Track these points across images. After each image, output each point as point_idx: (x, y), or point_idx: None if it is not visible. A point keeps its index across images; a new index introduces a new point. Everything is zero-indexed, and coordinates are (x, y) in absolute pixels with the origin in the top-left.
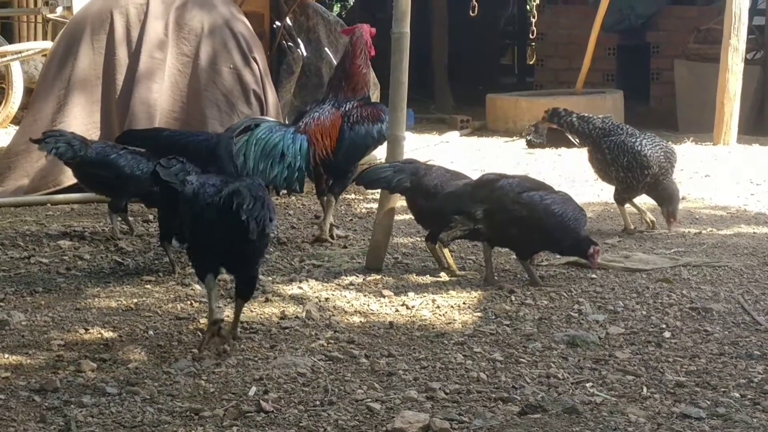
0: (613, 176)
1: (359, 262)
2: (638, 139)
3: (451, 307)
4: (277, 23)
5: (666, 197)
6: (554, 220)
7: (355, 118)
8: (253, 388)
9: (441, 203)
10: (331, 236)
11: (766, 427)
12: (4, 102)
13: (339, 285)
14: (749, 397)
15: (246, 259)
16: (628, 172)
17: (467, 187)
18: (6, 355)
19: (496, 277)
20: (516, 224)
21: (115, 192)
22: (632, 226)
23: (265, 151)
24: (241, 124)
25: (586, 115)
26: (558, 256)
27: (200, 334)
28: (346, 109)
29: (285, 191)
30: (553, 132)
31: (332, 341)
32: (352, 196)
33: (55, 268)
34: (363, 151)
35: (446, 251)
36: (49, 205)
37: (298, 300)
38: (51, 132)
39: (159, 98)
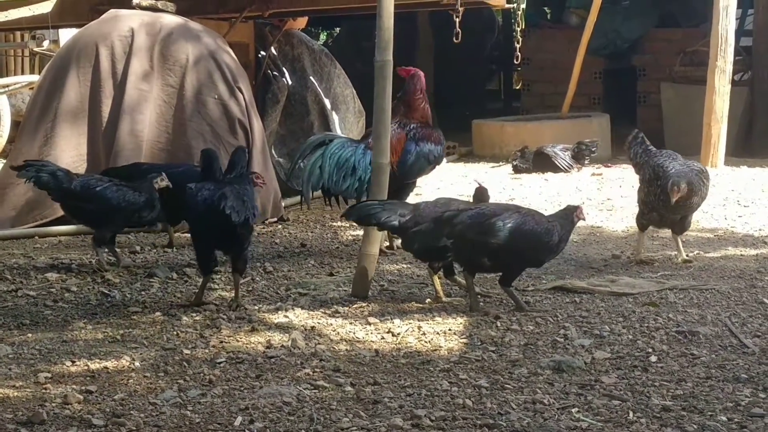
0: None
1: (345, 290)
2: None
3: (437, 333)
4: (262, 53)
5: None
6: (527, 240)
7: (420, 135)
8: (239, 418)
9: (409, 241)
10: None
11: None
12: None
13: (325, 313)
14: (736, 420)
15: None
16: (648, 186)
17: (431, 224)
18: None
19: (481, 304)
20: (487, 253)
21: (101, 224)
22: (643, 256)
23: (339, 164)
24: (316, 140)
25: (651, 148)
26: (544, 281)
27: (186, 365)
28: (410, 128)
29: (354, 199)
30: (539, 157)
31: (318, 370)
32: (338, 223)
33: (42, 300)
34: (425, 166)
35: (435, 277)
36: (36, 237)
37: (284, 329)
38: (33, 161)
39: (145, 130)
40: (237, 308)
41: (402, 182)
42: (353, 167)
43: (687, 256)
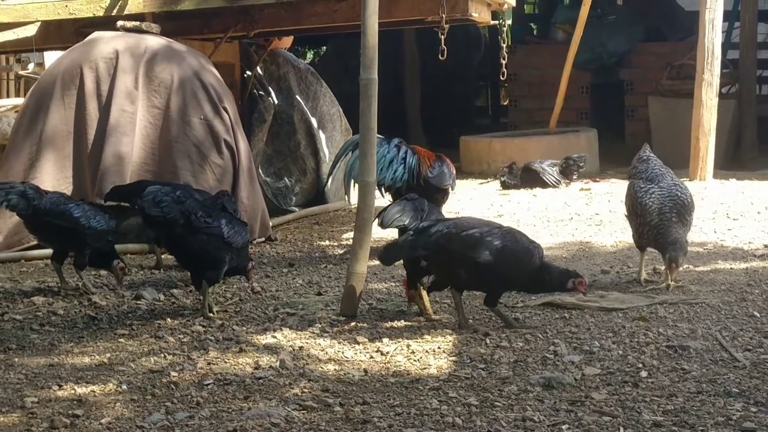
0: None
1: (333, 309)
2: (645, 187)
3: (426, 352)
4: (248, 73)
5: (669, 243)
6: (502, 256)
7: (444, 159)
8: None
9: (383, 254)
10: None
11: None
12: None
13: (313, 333)
14: None
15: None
16: (634, 217)
17: (408, 236)
18: None
19: (470, 321)
20: (462, 266)
21: (73, 243)
22: (644, 276)
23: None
24: (353, 141)
25: (648, 156)
26: (533, 297)
27: (174, 388)
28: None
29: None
30: (527, 173)
31: (306, 390)
32: (327, 242)
33: (28, 324)
34: (445, 193)
35: (425, 294)
36: (23, 261)
37: (272, 349)
38: (2, 184)
39: (130, 151)
40: (202, 316)
41: (435, 190)
42: (389, 161)
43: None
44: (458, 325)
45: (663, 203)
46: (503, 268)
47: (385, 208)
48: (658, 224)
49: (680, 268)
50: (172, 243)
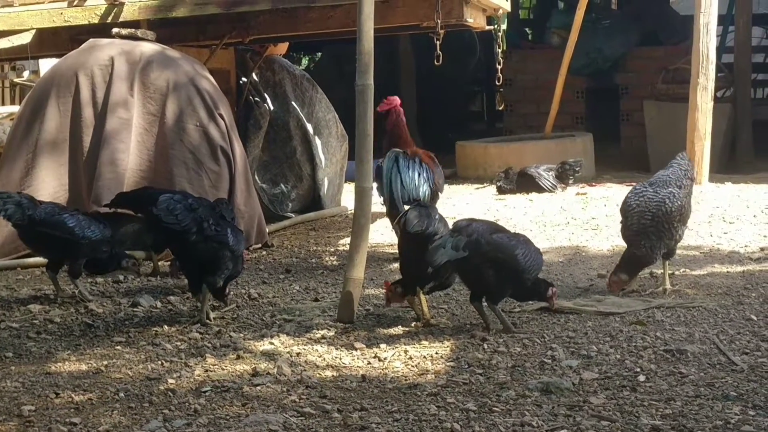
0: None
1: (331, 315)
2: (639, 189)
3: (424, 357)
4: (244, 79)
5: (625, 258)
6: (522, 261)
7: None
8: None
9: (431, 257)
10: None
11: None
12: None
13: (310, 339)
14: None
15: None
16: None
17: (447, 237)
18: None
19: (467, 326)
20: (490, 266)
21: (68, 253)
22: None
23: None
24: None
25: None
26: (530, 302)
27: (171, 395)
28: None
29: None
30: (523, 178)
31: (304, 396)
32: (323, 248)
33: (25, 332)
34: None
35: (423, 299)
36: (19, 269)
37: (270, 356)
38: None
39: (126, 158)
40: (199, 322)
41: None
42: (417, 175)
43: (669, 284)
44: (504, 330)
45: (646, 209)
46: (522, 272)
47: (404, 213)
48: (636, 230)
49: (610, 283)
50: (181, 250)
